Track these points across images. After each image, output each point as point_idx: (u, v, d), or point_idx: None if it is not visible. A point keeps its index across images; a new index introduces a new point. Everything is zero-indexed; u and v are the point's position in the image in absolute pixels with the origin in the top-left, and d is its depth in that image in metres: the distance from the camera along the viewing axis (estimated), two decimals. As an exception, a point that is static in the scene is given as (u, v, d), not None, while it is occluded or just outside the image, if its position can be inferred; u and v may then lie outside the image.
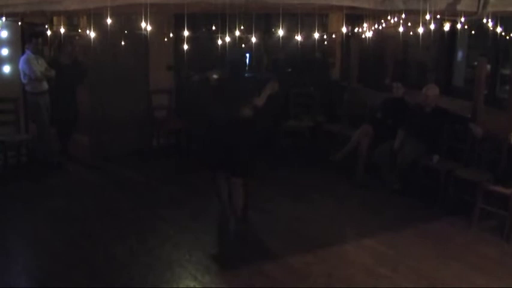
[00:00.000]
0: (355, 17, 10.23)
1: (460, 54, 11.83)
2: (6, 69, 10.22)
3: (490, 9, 7.46)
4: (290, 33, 7.76)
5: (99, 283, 6.65)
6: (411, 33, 8.65)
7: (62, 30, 7.26)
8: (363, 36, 9.44)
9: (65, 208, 8.73)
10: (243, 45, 9.50)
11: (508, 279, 6.86)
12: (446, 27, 8.43)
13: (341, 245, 7.72)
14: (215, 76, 8.59)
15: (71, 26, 10.27)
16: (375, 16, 9.15)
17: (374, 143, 9.95)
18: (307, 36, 8.02)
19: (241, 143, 7.68)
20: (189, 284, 6.61)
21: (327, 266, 7.11)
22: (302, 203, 9.10)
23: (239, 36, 7.65)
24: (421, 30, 7.12)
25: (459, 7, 7.33)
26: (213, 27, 10.05)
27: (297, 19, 7.16)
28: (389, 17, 8.53)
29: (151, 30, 5.80)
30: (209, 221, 8.25)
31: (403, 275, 6.88)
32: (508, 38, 9.49)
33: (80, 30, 9.66)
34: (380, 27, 9.34)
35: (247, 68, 8.93)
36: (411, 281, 6.73)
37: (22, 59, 9.93)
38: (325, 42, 10.86)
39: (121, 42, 9.20)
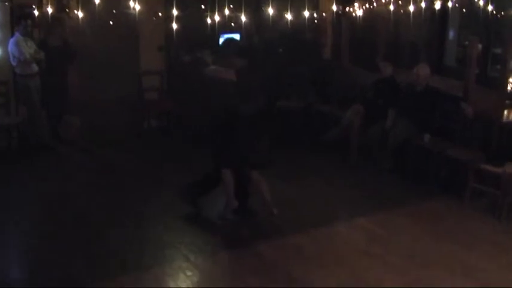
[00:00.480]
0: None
1: (451, 34, 11.83)
2: (-4, 51, 10.16)
3: (480, -13, 7.45)
4: (281, 12, 7.72)
5: (92, 265, 6.63)
6: (402, 12, 8.62)
7: (51, 11, 7.19)
8: (354, 15, 9.40)
9: (57, 191, 8.70)
10: (233, 25, 9.41)
11: (500, 258, 6.87)
12: (437, 6, 8.40)
13: (333, 225, 7.73)
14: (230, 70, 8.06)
15: (60, 7, 10.19)
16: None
17: (365, 123, 9.94)
18: (298, 16, 7.98)
19: (261, 135, 7.64)
20: (182, 265, 6.60)
21: (319, 246, 7.12)
22: (293, 184, 9.08)
23: (229, 15, 7.54)
24: (412, 9, 7.09)
25: (450, -15, 7.31)
26: (203, 6, 9.98)
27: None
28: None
29: (141, 10, 5.76)
30: (202, 204, 8.23)
31: (395, 254, 6.88)
32: (499, 16, 9.48)
33: (69, 11, 9.58)
34: (371, 7, 9.30)
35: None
36: (404, 261, 6.73)
37: (11, 41, 9.85)
38: (316, 22, 10.80)
39: (110, 23, 9.12)
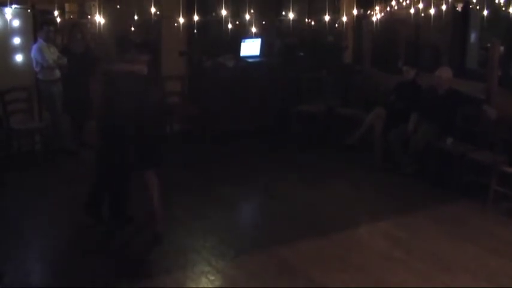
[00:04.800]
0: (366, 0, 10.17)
1: (473, 36, 11.77)
2: (19, 57, 10.20)
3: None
4: (302, 16, 7.72)
5: (114, 269, 6.66)
6: (423, 15, 8.59)
7: (73, 17, 7.25)
8: (375, 19, 9.39)
9: (80, 195, 8.73)
10: (254, 29, 9.41)
11: (524, 261, 6.84)
12: (459, 8, 8.36)
13: (355, 228, 7.72)
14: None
15: (83, 13, 10.27)
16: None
17: (387, 126, 9.91)
18: (319, 20, 7.97)
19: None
20: (204, 269, 6.60)
21: (341, 249, 7.10)
22: (315, 187, 9.09)
23: (250, 20, 7.55)
24: (433, 11, 7.06)
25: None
26: (225, 11, 9.99)
27: (309, 2, 7.12)
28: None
29: (163, 15, 5.79)
30: (224, 208, 8.25)
31: (418, 258, 6.86)
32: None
33: (91, 17, 9.65)
34: (392, 10, 9.28)
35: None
36: (426, 265, 6.70)
37: (34, 47, 9.93)
38: (337, 26, 10.79)
39: (133, 28, 9.17)
